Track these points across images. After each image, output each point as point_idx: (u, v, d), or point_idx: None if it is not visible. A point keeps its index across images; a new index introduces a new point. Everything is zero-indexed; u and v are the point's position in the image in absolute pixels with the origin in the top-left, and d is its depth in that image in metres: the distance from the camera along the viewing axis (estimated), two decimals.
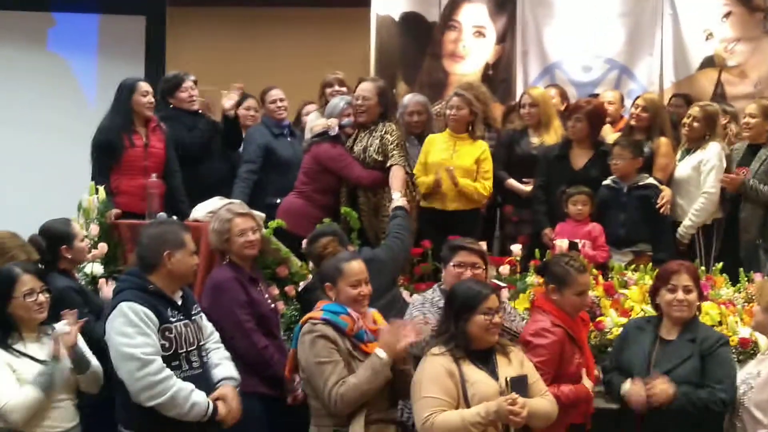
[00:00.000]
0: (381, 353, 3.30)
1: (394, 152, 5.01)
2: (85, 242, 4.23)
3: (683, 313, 3.64)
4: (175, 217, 4.77)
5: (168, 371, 3.23)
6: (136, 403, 3.23)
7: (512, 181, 5.70)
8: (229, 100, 5.70)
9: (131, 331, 3.20)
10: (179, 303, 3.42)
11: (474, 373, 3.24)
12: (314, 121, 5.53)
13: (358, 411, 3.29)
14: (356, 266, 3.49)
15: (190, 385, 3.29)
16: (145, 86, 5.27)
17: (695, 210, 5.29)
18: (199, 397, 3.30)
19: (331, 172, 5.15)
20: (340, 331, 3.35)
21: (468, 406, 3.17)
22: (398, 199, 4.76)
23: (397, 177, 4.94)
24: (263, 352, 3.85)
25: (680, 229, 5.30)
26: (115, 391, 3.36)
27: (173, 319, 3.34)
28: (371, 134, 5.14)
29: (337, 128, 5.19)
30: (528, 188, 5.60)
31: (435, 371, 3.22)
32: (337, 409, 3.26)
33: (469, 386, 3.20)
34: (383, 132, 5.08)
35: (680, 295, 3.62)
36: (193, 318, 3.46)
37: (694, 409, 3.45)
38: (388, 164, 5.00)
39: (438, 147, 5.30)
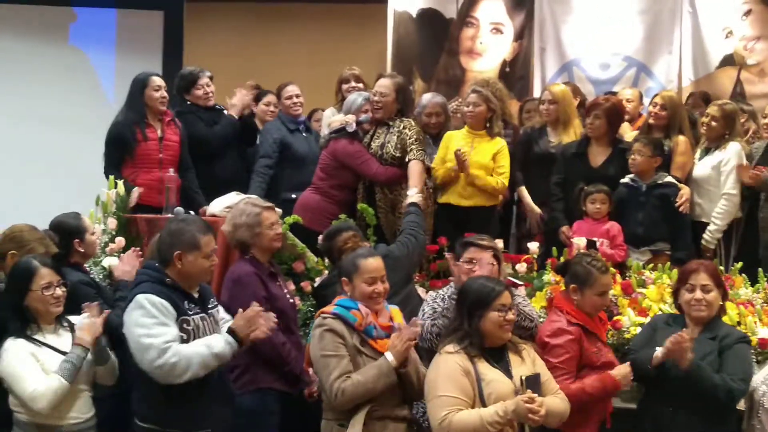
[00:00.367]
0: (390, 357, 3.32)
1: (413, 146, 5.00)
2: (96, 235, 4.25)
3: (701, 313, 3.62)
4: (192, 212, 4.80)
5: (183, 347, 3.22)
6: (156, 397, 3.25)
7: (525, 193, 5.67)
8: (245, 98, 5.73)
9: (150, 322, 3.21)
10: (196, 296, 3.42)
11: (489, 372, 3.23)
12: (331, 117, 5.53)
13: (361, 407, 3.29)
14: (373, 263, 3.48)
15: (203, 343, 3.27)
16: (157, 81, 5.29)
17: (718, 213, 5.24)
18: (218, 344, 3.29)
19: (349, 168, 5.15)
20: (349, 325, 3.36)
21: (484, 404, 3.16)
22: (414, 195, 4.74)
23: (415, 172, 4.93)
24: (281, 348, 3.84)
25: (706, 235, 5.24)
26: (133, 385, 3.37)
27: (191, 312, 3.34)
28: (389, 130, 5.14)
29: (354, 124, 5.19)
30: (537, 211, 5.57)
31: (450, 369, 3.20)
32: (337, 403, 3.27)
33: (484, 385, 3.19)
34: (402, 127, 5.08)
35: (698, 294, 3.61)
36: (209, 312, 3.46)
37: (702, 386, 3.42)
38: (407, 159, 4.99)
39: (456, 144, 5.27)
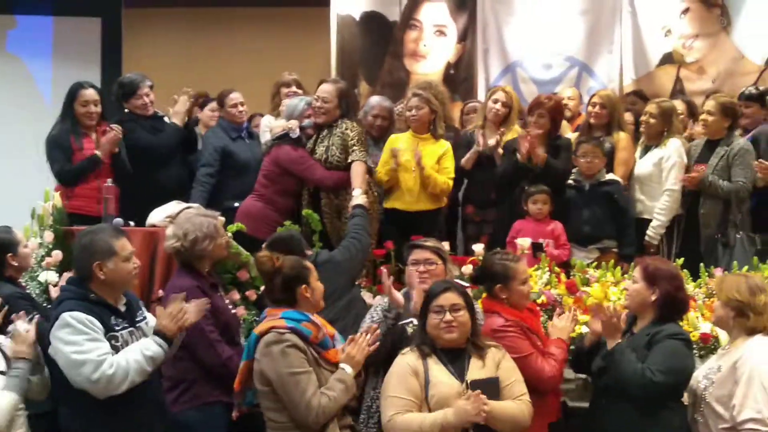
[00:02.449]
0: (347, 368, 3.28)
1: (355, 148, 4.97)
2: (30, 248, 4.16)
3: (626, 302, 3.71)
4: (131, 223, 4.71)
5: (117, 357, 3.18)
6: (88, 412, 3.20)
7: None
8: (182, 106, 5.63)
9: (79, 339, 3.14)
10: (123, 310, 3.36)
11: (439, 373, 3.23)
12: (270, 123, 5.47)
13: (330, 421, 3.25)
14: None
15: (135, 349, 3.24)
16: (85, 95, 5.18)
17: (660, 209, 5.34)
18: (150, 347, 3.27)
19: (293, 174, 5.10)
20: (304, 339, 3.28)
21: (429, 406, 3.17)
22: (358, 196, 4.70)
23: (358, 173, 4.89)
24: (228, 362, 3.77)
25: (649, 231, 5.34)
26: (62, 402, 3.31)
27: (118, 328, 3.28)
28: (332, 133, 5.10)
29: (298, 130, 5.14)
30: (492, 142, 5.54)
31: (401, 370, 3.23)
32: (316, 422, 3.19)
33: (430, 387, 3.20)
34: (344, 129, 5.05)
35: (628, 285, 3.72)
36: (137, 325, 3.40)
37: (621, 371, 3.42)
38: (349, 160, 4.96)
39: (401, 147, 5.27)
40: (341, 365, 3.30)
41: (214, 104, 6.03)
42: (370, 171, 5.13)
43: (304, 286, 3.38)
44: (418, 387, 3.19)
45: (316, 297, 3.43)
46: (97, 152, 5.08)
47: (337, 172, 5.05)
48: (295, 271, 3.40)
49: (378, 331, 3.43)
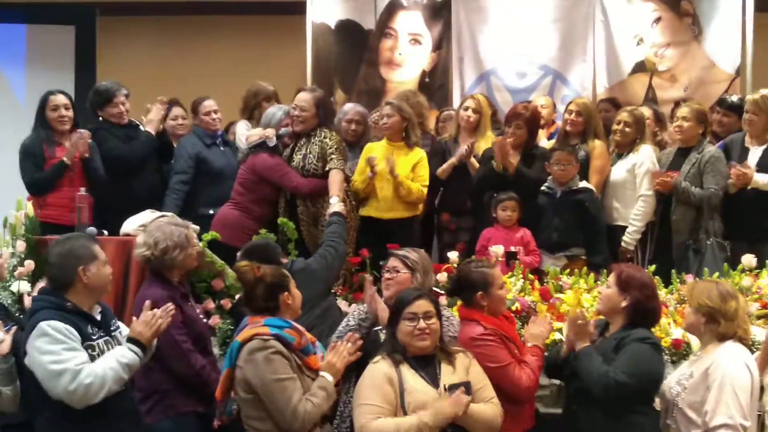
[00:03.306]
0: (328, 376, 3.29)
1: (333, 156, 5.00)
2: (3, 258, 4.13)
3: (598, 306, 3.74)
4: (105, 232, 4.68)
5: (94, 365, 3.17)
6: (64, 421, 3.18)
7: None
8: (150, 114, 5.60)
9: (57, 348, 3.12)
10: (98, 319, 3.34)
11: (413, 381, 3.24)
12: (246, 132, 5.46)
13: (313, 428, 3.25)
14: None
15: (111, 357, 3.24)
16: (55, 100, 5.17)
17: (636, 215, 5.38)
18: (125, 354, 3.27)
19: (269, 182, 5.11)
20: (288, 346, 3.27)
21: (405, 413, 3.17)
22: (335, 204, 4.71)
23: (335, 181, 4.92)
24: (201, 372, 3.77)
25: (625, 237, 5.38)
26: (37, 412, 3.27)
27: (95, 337, 3.27)
28: (310, 141, 5.11)
29: (275, 138, 5.15)
30: (462, 150, 5.58)
31: (374, 378, 3.22)
32: (302, 427, 3.18)
33: (406, 394, 3.19)
34: (323, 137, 5.07)
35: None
36: (112, 334, 3.39)
37: (588, 373, 3.45)
38: (327, 168, 4.98)
39: (376, 155, 5.28)
40: (322, 373, 3.30)
41: (176, 111, 5.99)
42: (347, 179, 5.15)
43: (286, 293, 3.39)
44: (393, 395, 3.19)
45: (297, 304, 3.44)
46: (64, 158, 5.03)
47: (314, 180, 5.07)
48: (277, 279, 3.41)
49: (360, 341, 3.43)
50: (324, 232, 4.74)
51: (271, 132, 5.18)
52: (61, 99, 5.19)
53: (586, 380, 3.47)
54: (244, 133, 5.54)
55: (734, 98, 6.04)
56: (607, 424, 3.45)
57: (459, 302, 4.36)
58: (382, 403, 3.16)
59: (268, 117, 5.35)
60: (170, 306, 3.49)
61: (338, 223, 4.55)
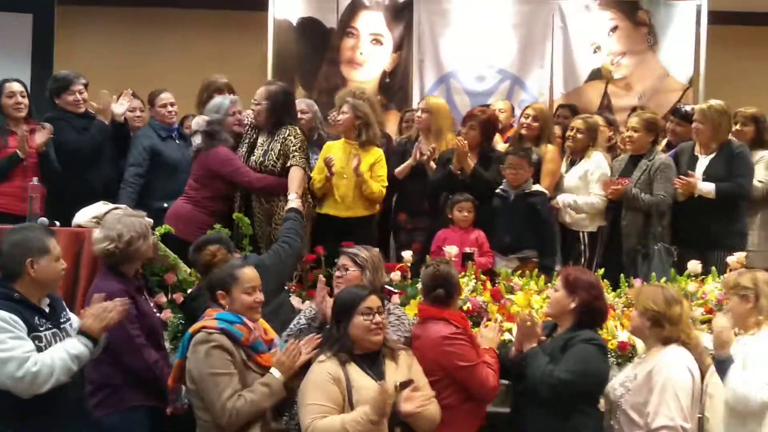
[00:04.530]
0: (276, 373, 3.30)
1: (296, 154, 4.97)
2: None
3: (547, 309, 3.83)
4: (57, 222, 4.63)
5: (42, 355, 3.14)
6: (8, 413, 3.14)
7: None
8: (120, 107, 5.58)
9: (2, 337, 3.08)
10: (47, 311, 3.31)
11: (360, 378, 3.26)
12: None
13: (252, 424, 3.26)
14: (250, 273, 3.47)
15: (61, 348, 3.22)
16: (11, 87, 5.16)
17: (585, 199, 5.50)
18: (75, 345, 3.25)
19: (222, 177, 5.08)
20: (235, 341, 3.29)
21: (352, 409, 3.19)
22: (293, 200, 4.70)
23: (295, 178, 4.90)
24: (154, 367, 3.76)
25: (560, 198, 5.50)
26: None
27: (41, 328, 3.23)
28: (273, 139, 5.09)
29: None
30: (426, 151, 5.62)
31: (320, 378, 3.22)
32: (230, 423, 3.21)
33: (354, 392, 3.21)
34: (286, 135, 5.04)
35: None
36: (62, 326, 3.36)
37: (533, 372, 3.52)
38: (288, 164, 4.96)
39: (334, 154, 5.30)
40: (271, 369, 3.32)
41: (134, 103, 5.92)
42: (309, 178, 5.14)
43: (220, 292, 3.41)
44: (339, 394, 3.20)
45: (235, 307, 3.40)
46: (18, 152, 4.99)
47: (269, 177, 5.06)
48: (215, 280, 3.48)
49: (318, 340, 3.44)
50: (277, 230, 4.76)
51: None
52: (17, 86, 5.18)
53: (532, 380, 3.53)
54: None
55: (688, 108, 6.15)
56: (552, 424, 3.51)
57: (412, 300, 4.46)
58: (327, 402, 3.17)
59: (216, 106, 5.23)
60: (125, 300, 3.47)
61: (294, 219, 4.56)
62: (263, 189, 5.07)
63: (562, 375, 3.44)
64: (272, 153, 5.04)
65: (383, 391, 3.12)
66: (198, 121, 5.38)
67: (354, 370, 3.26)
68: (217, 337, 3.25)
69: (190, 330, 3.38)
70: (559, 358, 3.53)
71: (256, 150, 5.14)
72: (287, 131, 5.04)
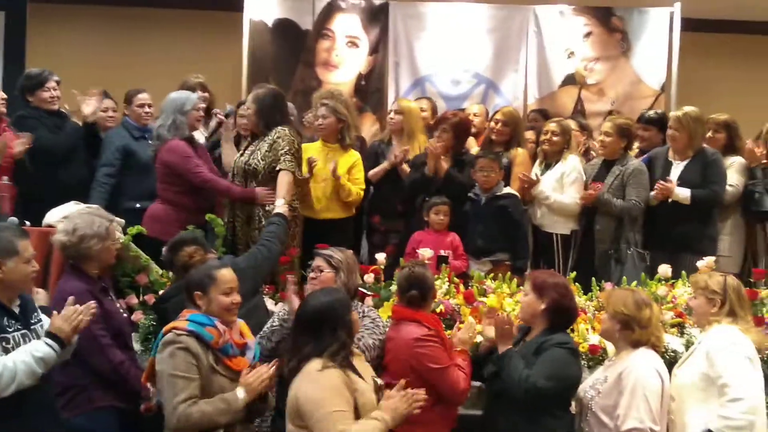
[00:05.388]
0: (241, 393, 3.26)
1: (286, 157, 4.84)
2: None
3: (519, 314, 3.86)
4: (27, 222, 4.58)
5: (5, 357, 3.10)
6: None
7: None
8: (88, 106, 5.52)
9: None
10: (17, 312, 3.27)
11: (359, 382, 3.23)
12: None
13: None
14: (228, 274, 3.44)
15: (25, 350, 3.17)
16: None
17: (560, 198, 5.52)
18: (41, 348, 3.20)
19: (179, 174, 4.99)
20: (204, 343, 3.26)
21: (358, 414, 3.14)
22: (280, 205, 4.60)
23: (282, 182, 4.77)
24: (119, 367, 3.74)
25: (538, 188, 5.51)
26: None
27: (10, 329, 3.20)
28: (261, 139, 4.98)
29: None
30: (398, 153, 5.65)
31: (336, 384, 3.11)
32: (176, 426, 3.16)
33: (358, 396, 3.17)
34: (275, 137, 4.91)
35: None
36: (32, 327, 3.32)
37: (508, 376, 3.54)
38: (277, 168, 4.83)
39: (316, 157, 5.28)
40: (237, 389, 3.27)
41: (106, 102, 5.89)
42: (304, 181, 5.06)
43: (197, 293, 3.38)
44: (352, 399, 3.14)
45: (212, 308, 3.38)
46: None
47: (225, 182, 4.99)
48: (193, 280, 3.44)
49: (274, 368, 3.38)
50: (257, 232, 4.72)
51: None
52: None
53: (508, 383, 3.56)
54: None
55: (651, 113, 6.24)
56: (524, 426, 3.54)
57: (386, 302, 4.47)
58: (348, 407, 3.10)
59: (181, 101, 5.11)
60: (92, 303, 3.43)
61: (278, 224, 4.46)
62: (214, 190, 5.02)
63: (539, 382, 3.47)
64: (258, 152, 4.92)
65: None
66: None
67: (352, 374, 3.21)
68: (184, 339, 3.23)
69: (163, 329, 3.36)
70: (532, 362, 3.56)
71: (244, 153, 5.03)
72: (277, 133, 4.92)
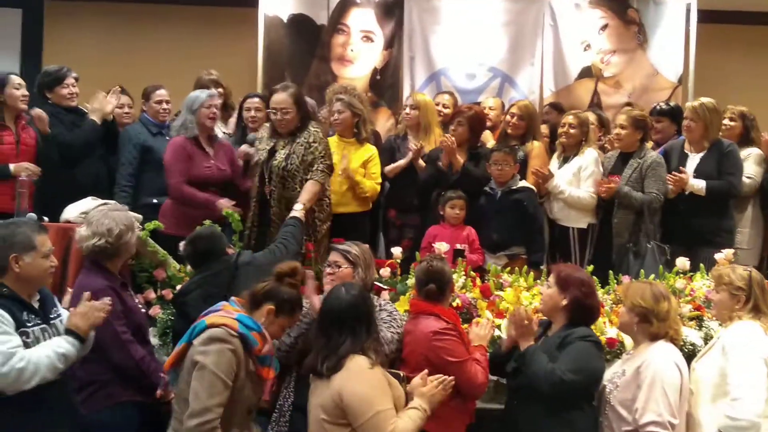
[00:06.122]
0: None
1: (320, 166, 4.78)
2: None
3: (540, 306, 3.85)
4: (46, 218, 4.61)
5: (28, 351, 3.12)
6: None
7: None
8: (108, 104, 5.55)
9: None
10: (36, 306, 3.29)
11: (390, 377, 3.24)
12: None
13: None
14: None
15: (47, 346, 3.19)
16: (17, 79, 5.17)
17: (575, 191, 5.49)
18: (62, 344, 3.22)
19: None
20: (248, 347, 3.22)
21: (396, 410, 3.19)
22: (298, 210, 4.58)
23: (308, 190, 4.70)
24: (141, 363, 3.74)
25: (553, 182, 5.48)
26: None
27: (30, 324, 3.21)
28: (294, 141, 4.86)
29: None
30: (412, 147, 5.67)
31: (383, 382, 3.15)
32: (197, 429, 3.10)
33: (393, 389, 3.19)
34: (311, 140, 4.81)
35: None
36: (51, 322, 3.34)
37: (533, 371, 3.52)
38: (308, 177, 4.75)
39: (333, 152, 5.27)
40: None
41: (123, 99, 5.91)
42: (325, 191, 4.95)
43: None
44: (392, 395, 3.19)
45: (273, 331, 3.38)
46: (11, 165, 4.94)
47: (191, 191, 4.92)
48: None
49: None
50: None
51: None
52: (20, 79, 5.20)
53: (533, 378, 3.53)
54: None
55: (662, 104, 6.21)
56: (546, 420, 3.52)
57: (402, 297, 4.47)
58: (392, 405, 3.15)
59: (191, 100, 5.09)
60: (107, 300, 3.44)
61: (294, 225, 4.48)
62: (180, 198, 4.95)
63: (565, 375, 3.44)
64: (295, 157, 4.80)
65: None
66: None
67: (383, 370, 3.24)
68: (234, 341, 3.16)
69: (208, 321, 3.24)
70: (556, 356, 3.54)
71: (277, 153, 4.88)
72: (310, 135, 4.84)
